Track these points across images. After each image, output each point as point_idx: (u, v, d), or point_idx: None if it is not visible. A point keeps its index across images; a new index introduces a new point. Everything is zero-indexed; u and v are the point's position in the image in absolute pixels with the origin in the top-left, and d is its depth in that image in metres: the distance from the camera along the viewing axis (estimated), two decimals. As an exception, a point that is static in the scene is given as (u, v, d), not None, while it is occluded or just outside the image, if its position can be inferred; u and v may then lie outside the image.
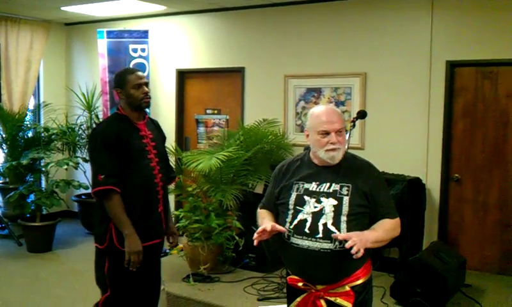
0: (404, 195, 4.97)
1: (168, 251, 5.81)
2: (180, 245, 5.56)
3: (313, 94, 5.98)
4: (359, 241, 2.22)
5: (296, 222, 2.42)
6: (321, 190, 2.42)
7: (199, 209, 5.41)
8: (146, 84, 3.24)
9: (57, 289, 5.13)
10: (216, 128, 6.73)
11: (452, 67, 5.26)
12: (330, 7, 5.84)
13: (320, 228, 2.36)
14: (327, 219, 2.36)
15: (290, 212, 2.46)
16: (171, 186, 5.74)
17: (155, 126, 3.44)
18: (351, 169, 2.46)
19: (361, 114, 4.75)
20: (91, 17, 7.18)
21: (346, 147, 4.25)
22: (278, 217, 2.56)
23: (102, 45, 6.90)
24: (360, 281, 2.44)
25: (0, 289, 5.12)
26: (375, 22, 5.61)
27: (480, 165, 5.26)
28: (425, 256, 4.56)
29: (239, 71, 6.49)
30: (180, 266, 5.48)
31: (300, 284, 2.48)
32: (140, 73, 3.24)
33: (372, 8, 5.62)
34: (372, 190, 2.42)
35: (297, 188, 2.48)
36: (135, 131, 3.20)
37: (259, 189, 5.67)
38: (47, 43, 7.56)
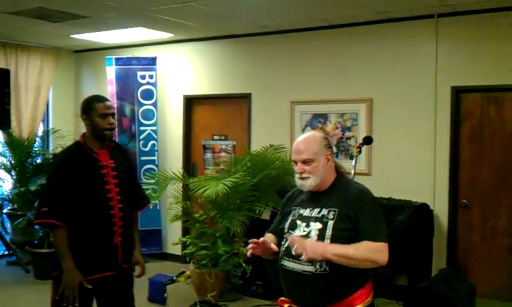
0: (412, 221, 4.94)
1: (174, 278, 5.78)
2: (187, 272, 5.54)
3: (319, 120, 6.01)
4: (309, 247, 2.26)
5: (286, 244, 2.49)
6: (311, 215, 2.50)
7: (206, 235, 5.41)
8: (113, 115, 3.22)
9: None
10: (223, 153, 6.75)
11: (458, 93, 5.28)
12: (336, 34, 5.90)
13: None
14: None
15: (285, 235, 2.55)
16: (175, 212, 5.74)
17: (122, 153, 3.39)
18: (342, 194, 2.49)
19: (367, 140, 4.77)
20: (100, 44, 7.28)
21: (352, 173, 4.29)
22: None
23: (111, 71, 6.99)
24: None
25: (7, 316, 5.11)
26: (381, 48, 5.65)
27: (488, 191, 5.23)
28: (434, 283, 4.52)
29: (245, 98, 6.54)
30: (187, 293, 5.46)
31: (286, 306, 2.52)
32: (108, 103, 3.23)
33: (378, 35, 5.66)
34: (357, 214, 2.41)
35: (294, 214, 2.58)
36: (93, 162, 3.16)
37: (266, 215, 5.66)
38: (57, 69, 7.67)
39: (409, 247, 4.93)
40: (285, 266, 2.48)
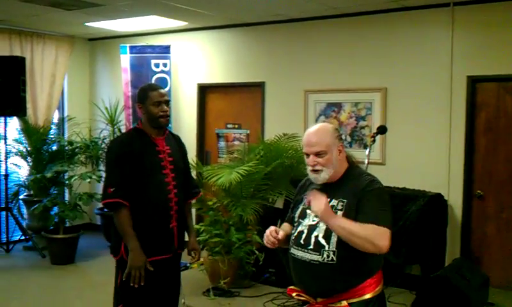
0: (426, 211, 4.93)
1: (188, 264, 5.83)
2: (201, 260, 5.58)
3: (333, 109, 5.99)
4: (320, 205, 2.34)
5: (295, 233, 2.51)
6: None
7: (219, 223, 5.44)
8: (167, 103, 3.28)
9: (78, 300, 5.19)
10: (236, 142, 6.77)
11: (473, 82, 5.23)
12: (350, 22, 5.86)
13: (312, 240, 2.41)
14: (319, 232, 2.40)
15: (295, 224, 2.56)
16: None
17: (176, 141, 3.47)
18: (352, 185, 2.46)
19: (382, 130, 4.73)
20: (115, 32, 7.31)
21: (366, 162, 4.28)
22: None
23: (125, 60, 7.02)
24: (362, 298, 2.40)
25: (23, 300, 5.20)
26: (396, 36, 5.61)
27: (503, 181, 5.19)
28: (447, 273, 4.51)
29: (259, 86, 6.53)
30: (201, 280, 5.50)
31: (294, 294, 2.54)
32: (162, 91, 3.30)
33: (393, 23, 5.62)
34: (361, 200, 2.38)
35: (304, 203, 2.56)
36: (151, 146, 3.23)
37: (279, 204, 5.67)
38: (71, 57, 7.71)
39: (422, 237, 4.92)
40: (294, 254, 2.48)
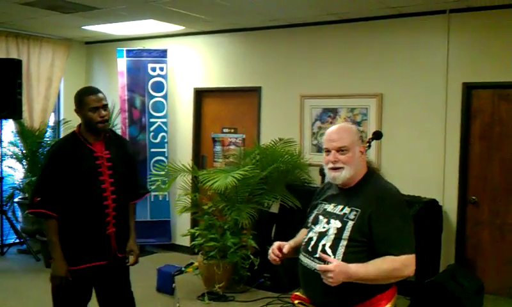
0: (420, 217, 4.94)
1: (183, 269, 5.82)
2: (196, 264, 5.58)
3: (329, 115, 6.00)
4: (335, 271, 2.14)
5: (306, 239, 2.44)
6: (334, 211, 2.40)
7: (214, 227, 5.44)
8: (104, 107, 3.20)
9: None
10: (232, 147, 6.77)
11: (469, 89, 5.25)
12: (347, 28, 5.88)
13: (319, 249, 2.33)
14: (327, 241, 2.33)
15: (308, 229, 2.50)
16: (184, 204, 5.78)
17: (120, 143, 3.40)
18: (368, 194, 2.35)
19: (377, 135, 4.77)
20: (112, 36, 7.31)
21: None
22: None
23: (122, 63, 7.02)
24: None
25: (17, 303, 5.17)
26: (392, 43, 5.63)
27: (498, 188, 5.21)
28: (441, 278, 4.52)
29: (255, 91, 6.55)
30: (195, 284, 5.49)
31: (296, 302, 2.48)
32: (100, 95, 3.20)
33: (389, 29, 5.64)
34: (377, 214, 2.25)
35: (319, 208, 2.49)
36: (88, 152, 3.18)
37: (275, 208, 5.68)
38: (68, 61, 7.71)
39: (417, 242, 4.92)
40: (301, 261, 2.42)
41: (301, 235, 2.60)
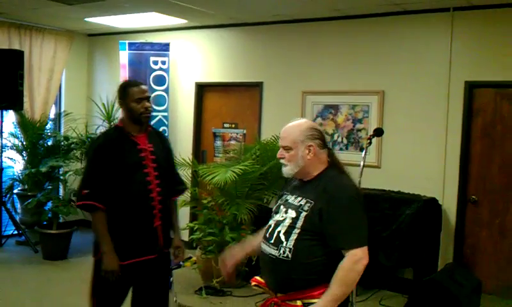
0: (420, 215, 4.93)
1: (181, 263, 5.81)
2: (194, 258, 5.57)
3: (330, 111, 5.99)
4: None
5: (266, 226, 2.54)
6: (293, 202, 2.48)
7: (213, 222, 5.43)
8: (148, 99, 3.22)
9: (70, 297, 5.16)
10: (233, 142, 6.76)
11: (471, 88, 5.23)
12: (349, 24, 5.86)
13: (275, 235, 2.44)
14: (282, 228, 2.42)
15: (271, 218, 2.59)
16: (184, 198, 5.77)
17: (160, 138, 3.41)
18: (323, 188, 2.42)
19: (378, 132, 4.75)
20: (114, 29, 7.30)
21: (362, 165, 4.29)
22: None
23: (124, 56, 7.01)
24: (315, 300, 2.35)
25: (15, 294, 5.18)
26: (394, 40, 5.62)
27: (498, 187, 5.20)
28: (439, 277, 4.51)
29: (257, 86, 6.53)
30: (193, 278, 5.49)
31: (253, 284, 2.59)
32: (143, 87, 3.23)
33: (392, 26, 5.63)
34: (329, 212, 2.33)
35: (282, 198, 2.59)
36: (132, 145, 3.17)
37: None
38: (70, 53, 7.70)
39: (416, 240, 4.93)
40: (261, 247, 2.52)
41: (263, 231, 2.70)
